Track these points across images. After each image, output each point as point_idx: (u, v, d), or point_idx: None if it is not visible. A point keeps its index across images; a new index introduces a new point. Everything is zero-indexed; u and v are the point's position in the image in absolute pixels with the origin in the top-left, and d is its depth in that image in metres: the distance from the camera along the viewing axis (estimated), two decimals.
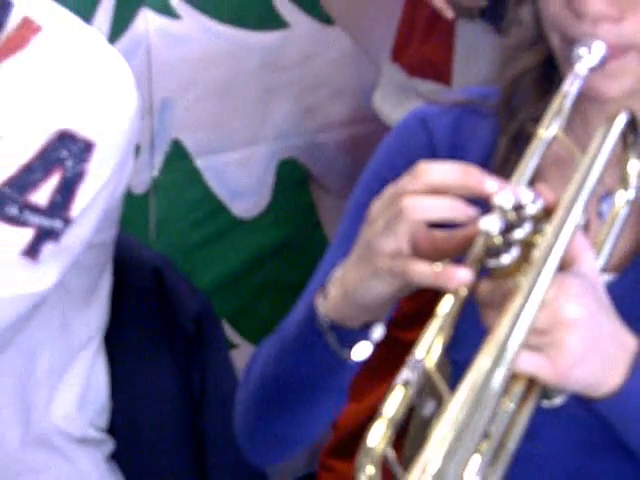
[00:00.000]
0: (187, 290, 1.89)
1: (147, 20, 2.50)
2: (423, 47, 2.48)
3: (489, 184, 1.15)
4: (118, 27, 2.30)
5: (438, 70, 2.43)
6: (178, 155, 2.59)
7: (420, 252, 1.17)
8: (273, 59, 2.69)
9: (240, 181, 2.71)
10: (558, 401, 1.18)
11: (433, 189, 1.16)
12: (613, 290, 1.21)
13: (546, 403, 1.19)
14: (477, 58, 2.33)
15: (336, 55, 2.76)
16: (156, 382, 1.88)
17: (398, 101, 2.53)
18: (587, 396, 1.19)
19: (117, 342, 1.83)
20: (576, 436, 1.32)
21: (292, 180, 2.77)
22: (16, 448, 1.74)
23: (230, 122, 2.67)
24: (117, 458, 1.85)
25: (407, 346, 1.35)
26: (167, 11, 2.54)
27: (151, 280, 1.87)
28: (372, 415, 1.52)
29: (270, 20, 2.67)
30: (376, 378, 1.39)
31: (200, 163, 2.65)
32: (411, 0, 2.49)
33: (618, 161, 1.34)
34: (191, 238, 2.61)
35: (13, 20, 1.60)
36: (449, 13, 2.25)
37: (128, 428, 1.86)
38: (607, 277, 1.28)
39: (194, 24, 2.58)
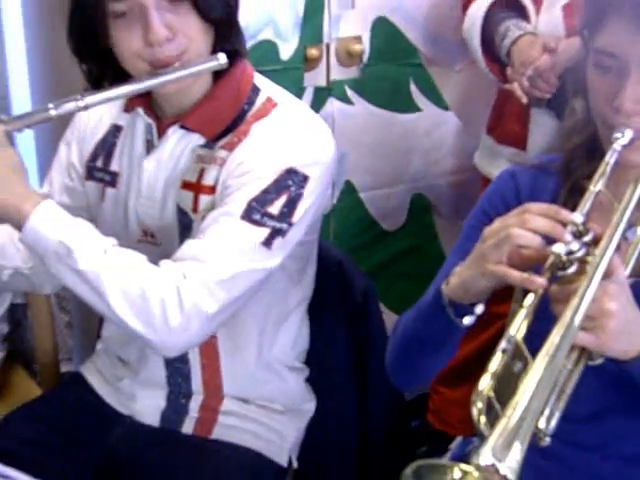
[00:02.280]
0: (358, 274, 1.88)
1: (333, 104, 2.50)
2: (508, 124, 2.43)
3: (563, 214, 1.22)
4: (315, 108, 2.28)
5: (517, 140, 2.38)
6: (349, 190, 2.57)
7: (512, 262, 1.21)
8: (410, 130, 2.65)
9: (387, 207, 2.69)
10: (598, 362, 1.20)
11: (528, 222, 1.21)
12: (635, 289, 1.22)
13: (591, 363, 1.21)
14: (544, 134, 2.29)
15: (450, 129, 2.73)
16: (336, 334, 1.87)
17: (490, 160, 2.48)
18: (618, 359, 1.22)
19: (315, 306, 1.83)
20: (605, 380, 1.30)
21: (420, 207, 2.75)
22: (253, 368, 1.75)
23: (382, 169, 2.65)
24: (310, 381, 1.85)
25: (494, 316, 1.44)
26: (345, 99, 2.52)
27: (336, 267, 1.86)
28: (471, 355, 1.71)
29: (409, 106, 2.63)
30: (471, 334, 1.38)
31: (363, 195, 2.63)
32: (500, 94, 2.43)
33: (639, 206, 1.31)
34: (356, 242, 2.61)
35: (260, 99, 1.61)
36: (525, 100, 2.20)
37: (318, 363, 1.86)
38: (631, 280, 1.26)
39: (361, 107, 2.56)
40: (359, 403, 1.88)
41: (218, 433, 1.75)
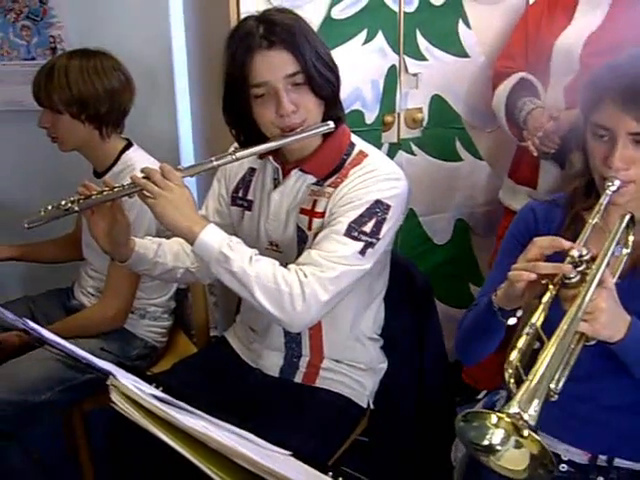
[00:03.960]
0: (419, 273, 1.88)
1: (401, 155, 2.50)
2: (524, 171, 2.41)
3: (566, 244, 1.23)
4: (389, 157, 2.24)
5: (530, 182, 2.35)
6: (411, 215, 2.56)
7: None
8: (455, 174, 2.62)
9: (438, 227, 2.67)
10: (592, 343, 1.19)
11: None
12: (619, 288, 1.21)
13: (587, 344, 1.20)
14: (550, 178, 2.27)
15: (483, 173, 2.68)
16: (403, 315, 1.87)
17: (510, 195, 2.46)
18: (609, 342, 1.21)
19: (389, 295, 1.82)
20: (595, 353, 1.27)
21: (461, 228, 2.71)
22: (345, 338, 1.76)
23: (435, 201, 2.62)
24: (384, 348, 1.85)
25: None
26: (410, 152, 2.51)
27: (403, 268, 1.86)
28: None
29: (455, 157, 2.61)
30: None
31: (421, 219, 2.61)
32: (518, 149, 2.40)
33: (624, 234, 1.30)
34: (415, 252, 2.59)
35: (355, 151, 1.62)
36: (536, 154, 2.19)
37: (390, 335, 1.85)
38: (618, 281, 1.26)
39: (421, 157, 2.54)
40: (418, 364, 1.88)
41: (319, 382, 1.77)
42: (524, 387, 1.05)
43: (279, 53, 1.49)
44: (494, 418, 1.05)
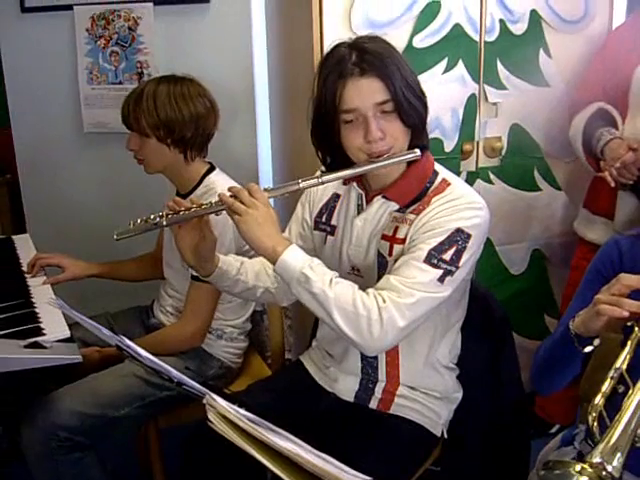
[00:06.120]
0: (497, 305, 1.86)
1: (479, 184, 2.49)
2: (601, 201, 2.38)
3: None
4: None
5: (607, 213, 2.33)
6: (488, 244, 2.52)
7: None
8: (532, 204, 2.61)
9: (514, 257, 2.65)
10: None
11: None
12: None
13: None
14: (628, 209, 2.24)
15: (560, 203, 2.65)
16: (479, 345, 1.85)
17: (586, 226, 2.45)
18: None
19: (466, 324, 1.80)
20: None
21: (537, 258, 2.68)
22: (421, 365, 1.74)
23: (512, 231, 2.61)
24: (459, 377, 1.84)
25: None
26: (488, 181, 2.51)
27: (482, 298, 1.85)
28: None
29: (533, 187, 2.60)
30: None
31: (498, 248, 2.60)
32: (595, 179, 2.38)
33: None
34: (491, 281, 2.57)
35: (437, 179, 1.62)
36: (613, 185, 2.16)
37: (466, 365, 1.84)
38: None
39: (499, 187, 2.54)
40: (492, 394, 1.85)
41: (394, 409, 1.76)
42: (608, 436, 1.03)
43: (370, 81, 1.51)
44: (577, 467, 1.03)
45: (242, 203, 1.50)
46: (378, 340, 1.49)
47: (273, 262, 1.51)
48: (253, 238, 1.50)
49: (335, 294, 1.48)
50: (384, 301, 1.49)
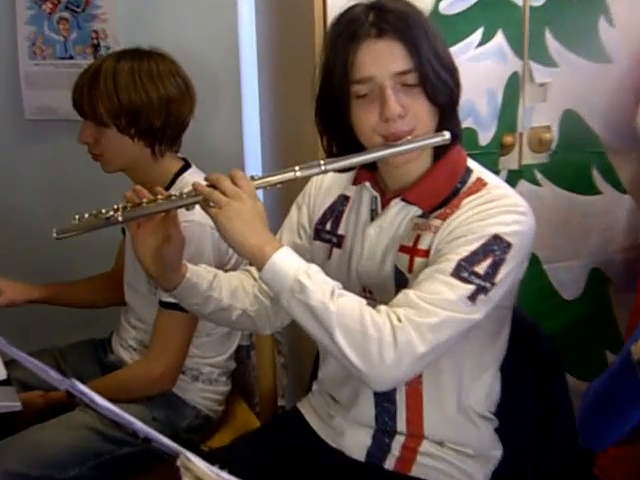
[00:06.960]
0: (546, 339, 1.86)
1: (523, 185, 2.50)
2: None
3: None
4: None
5: None
6: (534, 261, 2.53)
7: None
8: (591, 210, 2.62)
9: (567, 278, 2.66)
10: None
11: None
12: None
13: None
14: None
15: (624, 209, 2.67)
16: (525, 391, 1.85)
17: None
18: None
19: (508, 364, 1.80)
20: None
21: (596, 280, 2.69)
22: (450, 414, 1.73)
23: (564, 245, 2.63)
24: (498, 431, 1.82)
25: None
26: (534, 181, 2.53)
27: (529, 332, 1.86)
28: None
29: (591, 189, 2.61)
30: None
31: (546, 266, 2.61)
32: None
33: None
34: (538, 308, 2.57)
35: (471, 179, 1.63)
36: None
37: (507, 415, 1.82)
38: None
39: (548, 189, 2.55)
40: (540, 453, 1.85)
41: (416, 471, 1.74)
42: None
43: (390, 44, 1.51)
44: None
45: (223, 194, 1.49)
46: (390, 369, 1.46)
47: (260, 266, 1.49)
48: (235, 236, 1.48)
49: (338, 308, 1.45)
50: (399, 320, 1.46)
